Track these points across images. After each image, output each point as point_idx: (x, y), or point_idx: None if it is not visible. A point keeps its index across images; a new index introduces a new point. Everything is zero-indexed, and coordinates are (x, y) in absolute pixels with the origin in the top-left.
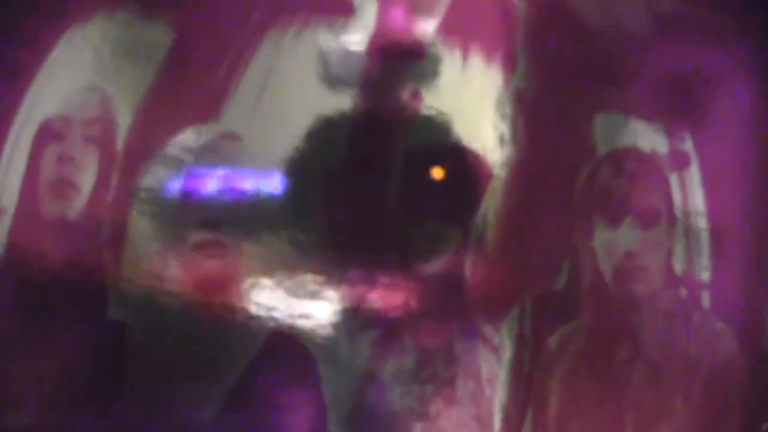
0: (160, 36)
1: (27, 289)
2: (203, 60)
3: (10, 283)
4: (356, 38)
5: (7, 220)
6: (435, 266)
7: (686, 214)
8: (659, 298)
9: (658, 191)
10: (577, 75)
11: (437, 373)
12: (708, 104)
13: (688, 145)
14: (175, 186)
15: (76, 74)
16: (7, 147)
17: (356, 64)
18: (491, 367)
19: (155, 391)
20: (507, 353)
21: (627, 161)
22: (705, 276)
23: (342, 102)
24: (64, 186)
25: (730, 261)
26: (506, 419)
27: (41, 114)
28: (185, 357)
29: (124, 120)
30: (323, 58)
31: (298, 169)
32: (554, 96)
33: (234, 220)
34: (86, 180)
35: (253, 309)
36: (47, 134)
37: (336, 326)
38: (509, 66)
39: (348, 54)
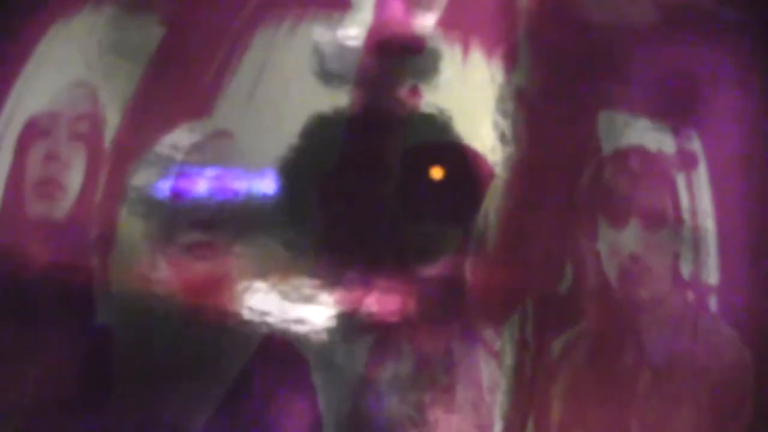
0: (149, 30)
1: (11, 292)
2: (194, 55)
3: None
4: (353, 32)
5: None
6: (434, 268)
7: (693, 215)
8: (665, 301)
9: (665, 192)
10: (580, 72)
11: (436, 379)
12: (711, 102)
13: (695, 145)
14: (165, 185)
15: (64, 70)
16: None
17: (353, 59)
18: (492, 373)
19: (144, 398)
20: (508, 358)
21: (632, 160)
22: (712, 279)
23: (338, 98)
24: (50, 185)
25: (738, 264)
26: (507, 427)
27: (27, 111)
28: (175, 362)
29: (112, 117)
30: (319, 53)
31: (293, 168)
32: (557, 93)
33: (226, 221)
34: (73, 179)
35: (246, 313)
36: (33, 131)
37: (331, 331)
38: (511, 62)
39: (344, 49)
